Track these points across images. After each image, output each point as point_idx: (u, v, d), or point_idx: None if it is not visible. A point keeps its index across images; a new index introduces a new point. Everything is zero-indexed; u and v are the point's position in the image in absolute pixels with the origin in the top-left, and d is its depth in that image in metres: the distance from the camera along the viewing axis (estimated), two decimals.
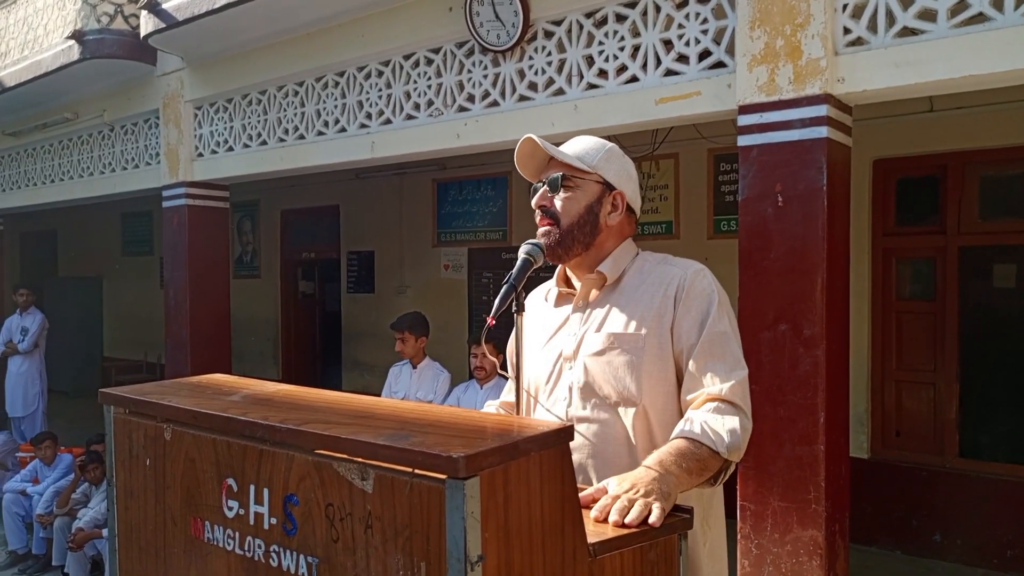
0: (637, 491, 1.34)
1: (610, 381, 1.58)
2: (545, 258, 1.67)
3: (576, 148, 1.71)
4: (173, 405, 1.50)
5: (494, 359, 3.90)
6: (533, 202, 1.70)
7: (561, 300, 1.75)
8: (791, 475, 2.91)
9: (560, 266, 1.75)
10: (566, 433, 1.19)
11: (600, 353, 1.60)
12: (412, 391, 4.51)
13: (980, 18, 2.67)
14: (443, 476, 1.04)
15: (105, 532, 4.70)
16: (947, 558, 4.81)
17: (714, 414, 1.50)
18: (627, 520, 1.29)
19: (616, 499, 1.33)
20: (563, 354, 1.66)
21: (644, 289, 1.63)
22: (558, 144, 1.72)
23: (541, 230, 1.67)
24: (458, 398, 4.33)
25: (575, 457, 1.52)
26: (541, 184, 1.70)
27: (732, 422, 1.50)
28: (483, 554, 1.04)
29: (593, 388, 1.60)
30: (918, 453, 5.04)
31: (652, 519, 1.30)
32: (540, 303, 1.81)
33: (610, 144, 1.73)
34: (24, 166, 7.47)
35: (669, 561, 1.39)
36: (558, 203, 1.66)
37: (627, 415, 1.57)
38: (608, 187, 1.68)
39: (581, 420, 1.61)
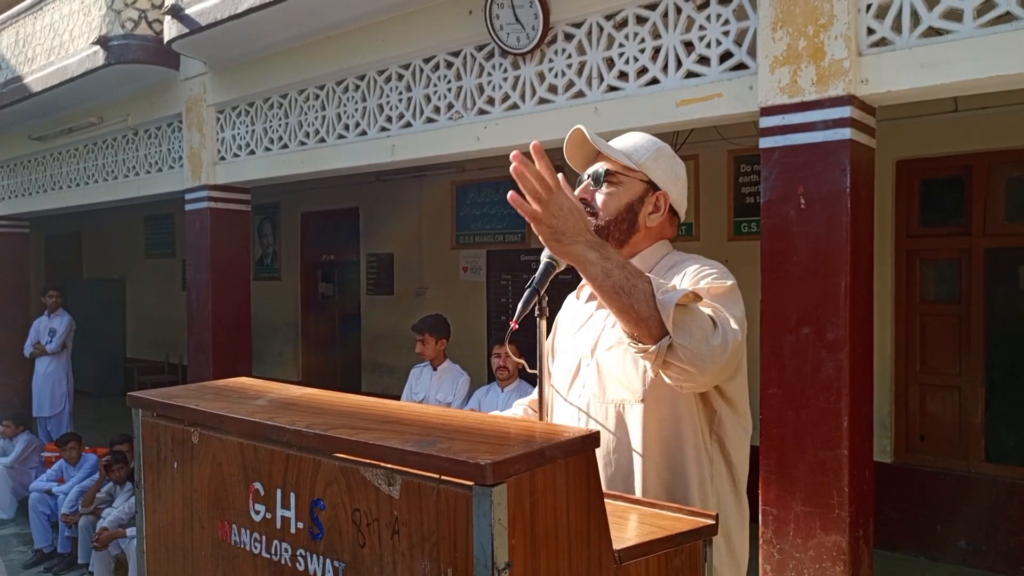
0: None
1: (619, 377, 1.57)
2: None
3: (625, 144, 1.68)
4: (200, 409, 1.51)
5: (517, 359, 3.89)
6: (575, 194, 1.67)
7: (590, 296, 1.75)
8: (814, 480, 2.88)
9: None
10: (592, 440, 1.19)
11: (612, 349, 1.59)
12: (432, 393, 4.53)
13: (1007, 18, 2.63)
14: (470, 483, 1.04)
15: (129, 531, 4.76)
16: (972, 564, 4.75)
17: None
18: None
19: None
20: (582, 350, 1.66)
21: None
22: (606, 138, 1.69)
23: None
24: (479, 401, 4.33)
25: None
26: (586, 177, 1.68)
27: (681, 296, 1.33)
28: (510, 561, 1.04)
29: (604, 384, 1.60)
30: (943, 457, 4.97)
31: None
32: (572, 300, 1.82)
33: (661, 143, 1.70)
34: (50, 170, 7.58)
35: (694, 567, 1.39)
36: (599, 198, 1.64)
37: (634, 411, 1.56)
38: (652, 187, 1.66)
39: (593, 416, 1.61)
